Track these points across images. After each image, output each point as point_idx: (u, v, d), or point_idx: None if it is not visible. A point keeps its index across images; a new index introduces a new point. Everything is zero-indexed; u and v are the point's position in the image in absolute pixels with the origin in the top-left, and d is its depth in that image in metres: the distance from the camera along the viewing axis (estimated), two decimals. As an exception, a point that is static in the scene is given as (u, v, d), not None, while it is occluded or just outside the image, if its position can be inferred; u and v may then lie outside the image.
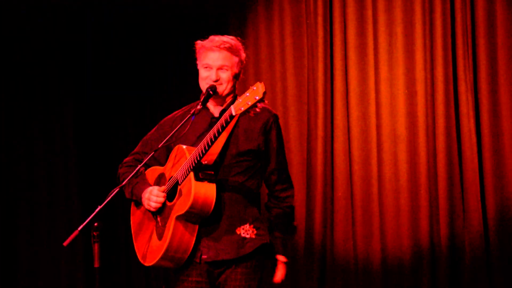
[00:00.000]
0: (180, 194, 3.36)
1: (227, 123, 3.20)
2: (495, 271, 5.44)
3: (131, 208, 3.68)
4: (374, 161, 5.71)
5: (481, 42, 5.46)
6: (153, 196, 3.44)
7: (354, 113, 5.75)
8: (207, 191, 3.31)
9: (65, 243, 3.26)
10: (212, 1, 6.20)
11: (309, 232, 5.81)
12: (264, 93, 3.06)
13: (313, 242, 5.79)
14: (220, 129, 3.22)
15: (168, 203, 3.44)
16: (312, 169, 5.82)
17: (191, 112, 3.45)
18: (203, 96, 3.46)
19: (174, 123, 3.58)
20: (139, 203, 3.59)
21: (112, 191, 3.37)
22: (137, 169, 3.43)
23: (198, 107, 3.45)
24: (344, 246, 5.74)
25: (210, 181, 3.33)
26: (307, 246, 5.82)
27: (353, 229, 5.74)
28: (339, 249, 5.75)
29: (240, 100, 3.11)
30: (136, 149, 3.70)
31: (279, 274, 3.56)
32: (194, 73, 3.61)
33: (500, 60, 5.43)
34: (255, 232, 3.47)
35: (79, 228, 3.23)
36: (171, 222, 3.36)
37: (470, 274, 5.46)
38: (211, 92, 3.45)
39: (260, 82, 3.09)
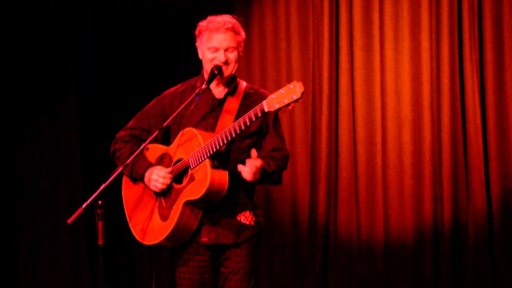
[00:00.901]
0: (192, 179, 3.37)
1: (257, 117, 3.20)
2: (499, 252, 5.47)
3: (124, 184, 3.66)
4: (378, 142, 5.71)
5: (487, 22, 5.50)
6: (160, 178, 3.43)
7: (359, 94, 5.76)
8: (222, 178, 3.34)
9: (69, 221, 3.26)
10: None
11: (313, 212, 5.81)
12: (303, 93, 3.07)
13: (316, 223, 5.78)
14: (248, 122, 3.22)
15: (175, 186, 3.44)
16: (317, 150, 5.82)
17: (195, 92, 3.45)
18: (208, 76, 3.47)
19: (174, 100, 3.58)
20: (136, 180, 3.58)
21: (116, 169, 3.38)
22: (142, 147, 3.41)
23: (203, 87, 3.46)
24: (348, 227, 5.74)
25: (224, 168, 3.36)
26: (311, 226, 5.81)
27: (357, 210, 5.75)
28: (342, 230, 5.75)
29: (274, 97, 3.12)
30: (131, 124, 3.66)
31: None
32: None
33: (506, 41, 5.47)
34: (254, 219, 3.54)
35: (83, 206, 3.25)
36: (179, 206, 3.38)
37: (473, 254, 5.48)
38: (216, 71, 3.45)
39: (298, 81, 3.10)
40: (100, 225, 3.29)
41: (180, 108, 3.44)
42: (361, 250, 5.72)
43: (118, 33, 6.50)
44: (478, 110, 5.51)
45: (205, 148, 3.32)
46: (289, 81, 5.94)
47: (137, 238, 3.56)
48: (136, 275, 6.40)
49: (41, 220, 6.23)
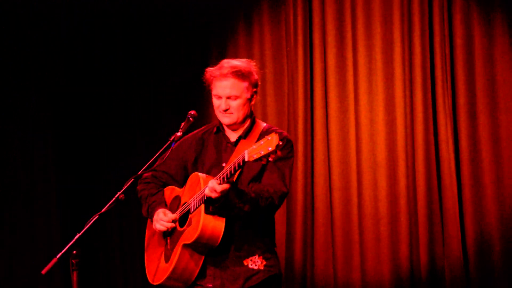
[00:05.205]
0: (190, 223, 3.40)
1: (239, 166, 3.17)
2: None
3: (147, 225, 3.74)
4: (354, 187, 5.73)
5: (460, 69, 5.58)
6: (161, 220, 3.50)
7: (334, 139, 5.78)
8: (216, 225, 3.33)
9: (43, 271, 3.21)
10: (192, 28, 6.18)
11: (290, 259, 5.79)
12: (277, 146, 3.00)
13: (293, 269, 5.77)
14: (232, 171, 3.18)
15: (179, 229, 3.48)
16: (293, 196, 5.81)
17: (170, 139, 3.48)
18: (183, 123, 3.53)
19: (191, 144, 3.62)
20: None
21: (91, 218, 3.33)
22: (116, 196, 3.37)
23: (178, 134, 3.50)
24: (325, 272, 5.72)
25: (220, 215, 3.34)
26: (288, 272, 5.78)
27: (333, 256, 5.74)
28: (319, 275, 5.74)
29: (254, 147, 3.07)
30: (155, 166, 3.59)
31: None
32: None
33: (478, 86, 5.55)
34: (264, 263, 3.47)
35: (58, 256, 3.20)
36: (178, 248, 3.42)
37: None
38: (191, 119, 3.53)
39: (276, 133, 3.04)
40: (75, 275, 3.23)
41: (154, 157, 3.48)
42: (338, 297, 5.71)
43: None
44: (452, 155, 5.55)
45: (201, 193, 3.33)
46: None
47: (148, 278, 3.63)
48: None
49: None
